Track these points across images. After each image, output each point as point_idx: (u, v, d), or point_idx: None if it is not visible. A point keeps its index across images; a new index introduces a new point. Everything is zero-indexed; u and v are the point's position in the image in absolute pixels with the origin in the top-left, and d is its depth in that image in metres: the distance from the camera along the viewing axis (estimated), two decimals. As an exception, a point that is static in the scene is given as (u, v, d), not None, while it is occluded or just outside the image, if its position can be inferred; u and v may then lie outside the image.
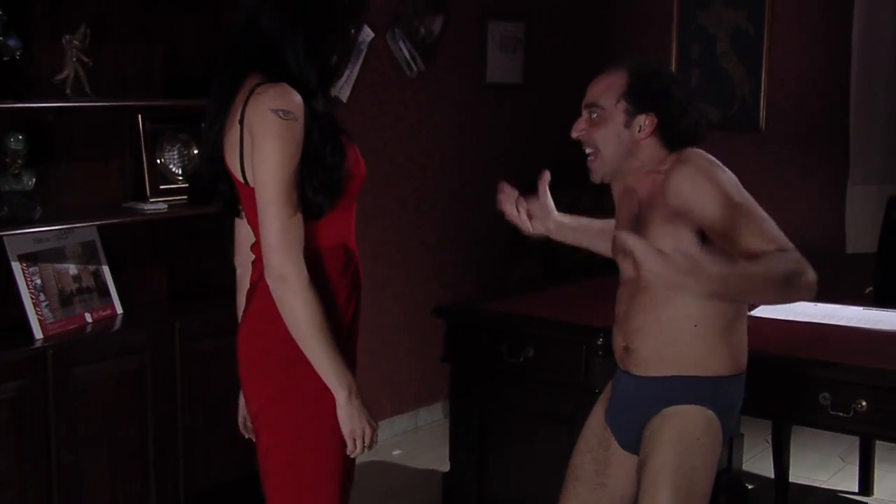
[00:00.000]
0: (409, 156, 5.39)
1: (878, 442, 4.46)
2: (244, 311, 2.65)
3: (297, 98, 2.41)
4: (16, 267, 3.67)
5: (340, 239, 2.57)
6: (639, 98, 2.64)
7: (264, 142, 2.38)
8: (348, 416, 2.49)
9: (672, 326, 2.61)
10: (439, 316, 3.90)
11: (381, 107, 5.22)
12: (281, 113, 2.38)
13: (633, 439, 2.72)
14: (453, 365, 3.85)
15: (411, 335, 5.41)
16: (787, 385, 3.20)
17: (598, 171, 2.72)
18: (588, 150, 2.73)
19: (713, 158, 2.66)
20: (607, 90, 2.68)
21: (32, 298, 3.68)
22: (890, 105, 5.47)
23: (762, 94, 5.91)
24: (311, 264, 2.44)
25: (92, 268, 3.91)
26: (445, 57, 5.53)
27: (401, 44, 5.23)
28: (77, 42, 3.76)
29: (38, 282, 3.71)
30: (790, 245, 2.56)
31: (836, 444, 5.03)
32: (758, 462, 4.86)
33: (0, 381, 3.40)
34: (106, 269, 3.96)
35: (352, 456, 2.53)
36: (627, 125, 2.65)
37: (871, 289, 4.57)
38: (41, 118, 3.82)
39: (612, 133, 2.66)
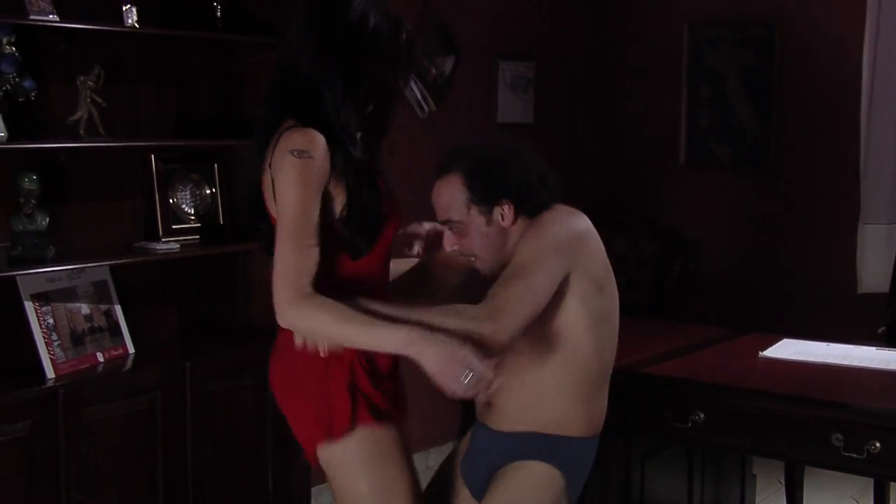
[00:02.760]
0: (420, 196, 5.39)
1: (892, 483, 4.43)
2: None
3: (320, 140, 2.46)
4: (28, 306, 3.68)
5: (372, 276, 2.61)
6: (484, 197, 2.67)
7: (279, 180, 2.45)
8: (426, 361, 2.45)
9: (535, 390, 2.69)
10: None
11: (391, 147, 5.23)
12: (296, 152, 2.44)
13: (481, 489, 2.79)
14: (464, 405, 3.83)
15: (422, 375, 5.39)
16: (800, 426, 3.18)
17: (488, 269, 2.77)
18: (469, 257, 2.77)
19: (563, 214, 2.69)
20: (452, 203, 2.71)
21: (44, 338, 3.68)
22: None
23: (772, 133, 5.92)
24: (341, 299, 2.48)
25: (104, 307, 3.92)
26: (457, 97, 5.55)
27: (412, 84, 5.25)
28: (91, 83, 3.79)
29: (51, 321, 3.72)
30: (501, 307, 2.54)
31: (849, 486, 4.99)
32: (771, 503, 4.82)
33: (11, 420, 3.40)
34: (118, 309, 3.97)
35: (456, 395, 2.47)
36: (489, 223, 2.71)
37: (883, 328, 4.55)
38: (55, 158, 3.85)
39: (480, 236, 2.72)
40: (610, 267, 2.76)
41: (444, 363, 2.43)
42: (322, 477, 4.95)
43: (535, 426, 2.71)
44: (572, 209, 2.76)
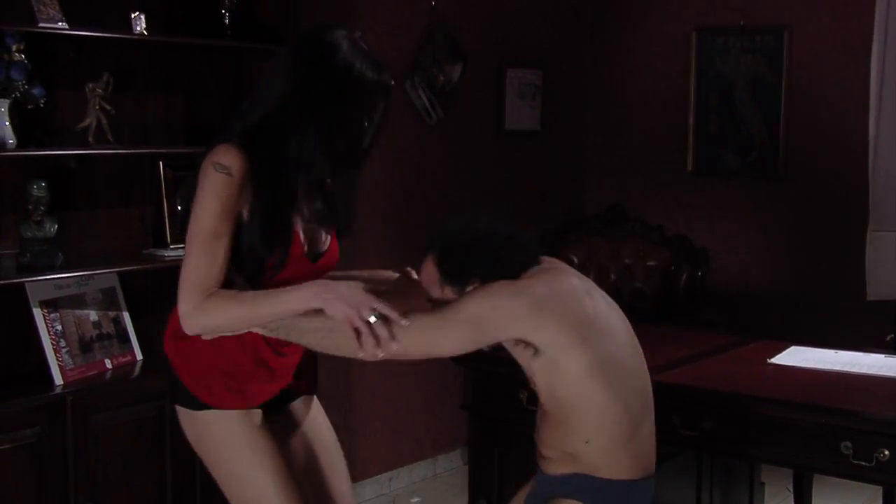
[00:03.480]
0: (427, 202, 5.41)
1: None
2: None
3: (240, 159, 2.50)
4: (37, 313, 3.69)
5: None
6: (455, 278, 2.71)
7: (197, 190, 2.53)
8: (333, 307, 2.48)
9: (568, 441, 2.74)
10: (458, 363, 3.89)
11: (399, 153, 5.24)
12: (217, 166, 2.50)
13: None
14: (472, 412, 3.84)
15: (430, 382, 5.40)
16: (809, 434, 3.17)
17: None
18: None
19: (524, 285, 2.68)
20: (430, 283, 2.76)
21: (53, 345, 3.69)
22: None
23: (781, 141, 5.91)
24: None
25: (112, 314, 3.92)
26: (464, 104, 5.56)
27: (420, 91, 5.26)
28: (100, 90, 3.80)
29: (59, 328, 3.73)
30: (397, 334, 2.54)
31: (858, 494, 4.98)
32: (779, 511, 4.82)
33: (19, 427, 3.41)
34: (126, 316, 3.97)
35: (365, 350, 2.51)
36: None
37: (892, 336, 4.54)
38: (63, 165, 3.86)
39: None
40: (598, 311, 2.72)
41: (349, 306, 2.47)
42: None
43: (576, 468, 2.75)
44: (553, 268, 2.77)
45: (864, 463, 3.09)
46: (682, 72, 6.15)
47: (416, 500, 5.16)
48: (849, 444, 3.10)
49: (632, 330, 2.84)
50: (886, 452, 3.05)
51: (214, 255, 2.50)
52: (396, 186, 5.23)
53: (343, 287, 2.51)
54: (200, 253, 2.50)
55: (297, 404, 2.95)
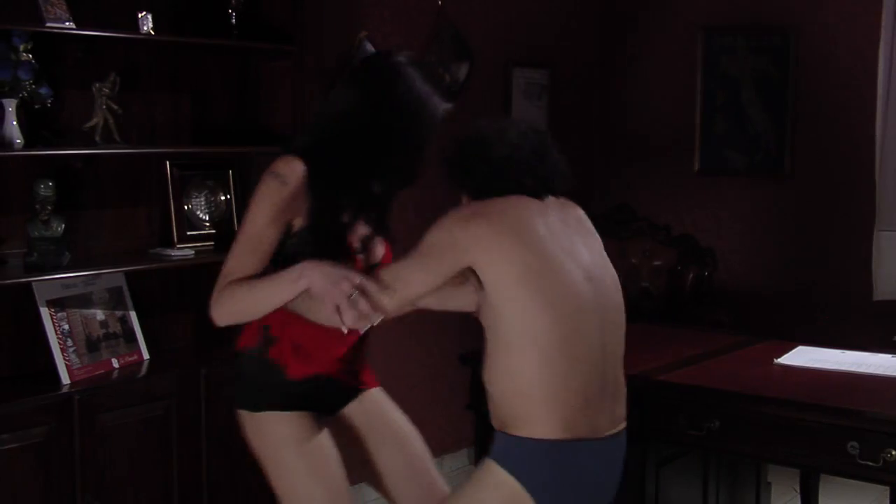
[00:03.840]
0: (435, 203, 5.40)
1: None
2: None
3: (299, 169, 2.61)
4: (44, 312, 3.69)
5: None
6: (454, 181, 2.78)
7: (253, 196, 2.66)
8: (314, 284, 2.55)
9: (498, 386, 2.57)
10: (464, 363, 3.90)
11: (406, 153, 5.24)
12: (274, 174, 2.62)
13: None
14: (478, 413, 3.84)
15: (437, 382, 5.41)
16: (815, 434, 3.17)
17: None
18: None
19: (482, 209, 2.64)
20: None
21: (60, 344, 3.70)
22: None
23: (787, 141, 5.91)
24: None
25: (119, 314, 3.93)
26: (470, 104, 5.55)
27: (426, 91, 5.26)
28: (107, 90, 3.81)
29: (66, 327, 3.73)
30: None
31: (865, 494, 4.97)
32: (785, 511, 4.82)
33: (27, 426, 3.42)
34: (133, 315, 3.98)
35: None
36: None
37: (899, 336, 4.54)
38: (70, 165, 3.86)
39: None
40: (566, 248, 2.60)
41: (330, 283, 2.53)
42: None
43: (498, 423, 2.58)
44: (532, 205, 2.65)
45: (870, 463, 3.09)
46: (689, 71, 6.15)
47: None
48: (855, 444, 3.09)
49: (617, 298, 2.68)
50: (893, 453, 3.05)
51: (254, 257, 2.63)
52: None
53: (325, 265, 2.56)
54: (240, 253, 2.63)
55: (357, 401, 3.00)
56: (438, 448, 5.47)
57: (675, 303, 5.49)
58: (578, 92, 6.33)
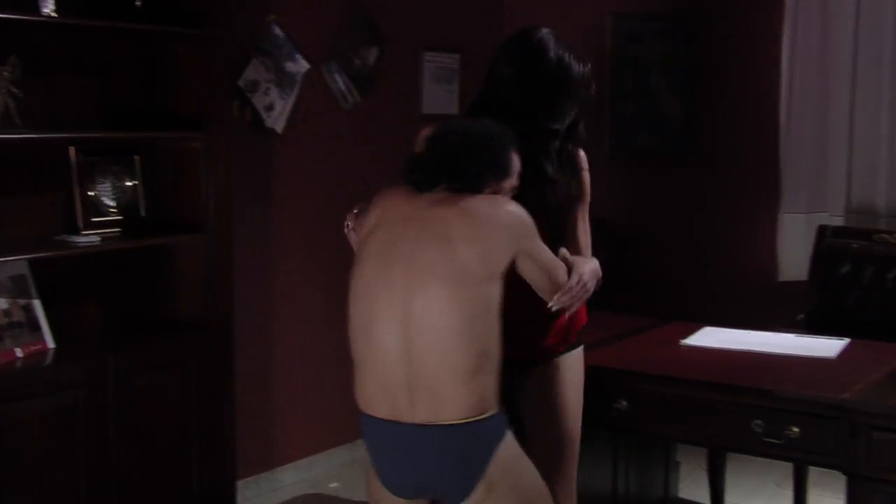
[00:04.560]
0: (345, 187, 5.38)
1: (812, 468, 4.50)
2: None
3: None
4: (-56, 302, 3.61)
5: None
6: None
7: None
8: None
9: None
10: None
11: (316, 138, 5.21)
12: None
13: None
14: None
15: (350, 365, 5.37)
16: (721, 413, 3.22)
17: None
18: None
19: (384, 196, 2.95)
20: None
21: (-39, 333, 3.62)
22: (819, 134, 5.57)
23: (695, 124, 5.99)
24: None
25: (22, 302, 3.85)
26: (381, 88, 5.54)
27: (336, 76, 5.23)
28: (7, 74, 3.72)
29: (-32, 316, 3.66)
30: None
31: (770, 471, 5.07)
32: (694, 489, 4.88)
33: (-73, 418, 3.34)
34: (37, 304, 3.90)
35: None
36: None
37: (802, 316, 4.63)
38: (-29, 151, 3.77)
39: None
40: (391, 238, 2.71)
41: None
42: (248, 471, 4.94)
43: None
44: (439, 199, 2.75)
45: (774, 441, 3.15)
46: (599, 56, 6.19)
47: (335, 484, 5.15)
48: (760, 422, 3.16)
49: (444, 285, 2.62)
50: (796, 430, 3.11)
51: None
52: (314, 171, 5.20)
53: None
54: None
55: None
56: (353, 433, 5.47)
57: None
58: (489, 76, 6.33)
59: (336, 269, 5.36)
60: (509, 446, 2.68)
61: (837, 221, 5.35)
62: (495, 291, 2.63)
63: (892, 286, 4.46)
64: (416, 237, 2.66)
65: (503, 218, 2.67)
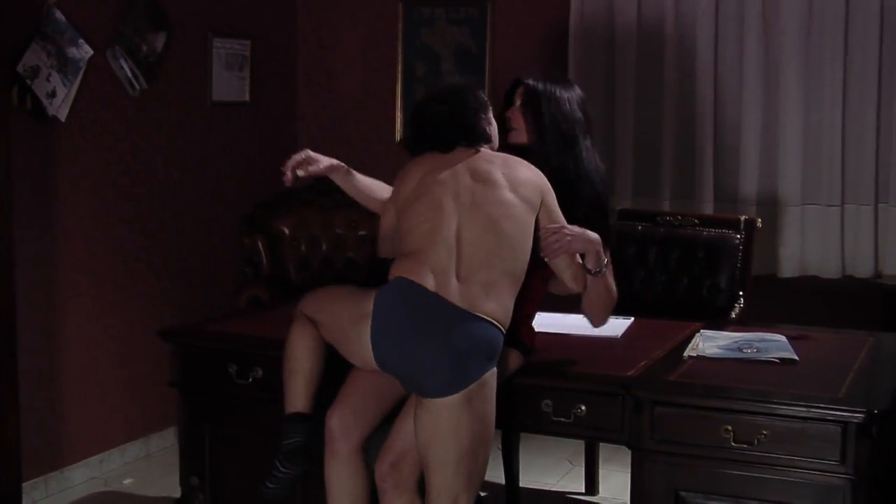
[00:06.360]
0: (132, 176, 5.25)
1: (601, 444, 4.65)
2: None
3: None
4: None
5: None
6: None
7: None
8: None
9: None
10: (164, 339, 3.81)
11: (102, 126, 5.06)
12: None
13: None
14: (181, 389, 3.76)
15: (140, 360, 5.27)
16: (511, 394, 3.28)
17: None
18: None
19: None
20: None
21: None
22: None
23: (486, 111, 6.07)
24: None
25: None
26: (169, 75, 5.42)
27: (122, 61, 5.08)
28: None
29: None
30: None
31: (564, 449, 5.21)
32: (491, 470, 4.95)
33: None
34: None
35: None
36: None
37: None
38: None
39: None
40: (419, 194, 3.26)
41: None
42: (35, 471, 4.77)
43: None
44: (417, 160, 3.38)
45: (563, 419, 3.23)
46: (390, 43, 6.22)
47: (129, 481, 5.03)
48: (549, 402, 3.24)
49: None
50: (583, 408, 3.20)
51: None
52: (98, 159, 5.05)
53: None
54: None
55: None
56: (144, 428, 5.36)
57: (381, 271, 5.54)
58: (282, 63, 6.29)
59: (122, 261, 5.23)
60: (495, 376, 3.04)
61: (625, 204, 5.51)
62: (531, 224, 3.16)
63: (675, 266, 4.62)
64: (467, 179, 3.19)
65: (535, 172, 3.26)
